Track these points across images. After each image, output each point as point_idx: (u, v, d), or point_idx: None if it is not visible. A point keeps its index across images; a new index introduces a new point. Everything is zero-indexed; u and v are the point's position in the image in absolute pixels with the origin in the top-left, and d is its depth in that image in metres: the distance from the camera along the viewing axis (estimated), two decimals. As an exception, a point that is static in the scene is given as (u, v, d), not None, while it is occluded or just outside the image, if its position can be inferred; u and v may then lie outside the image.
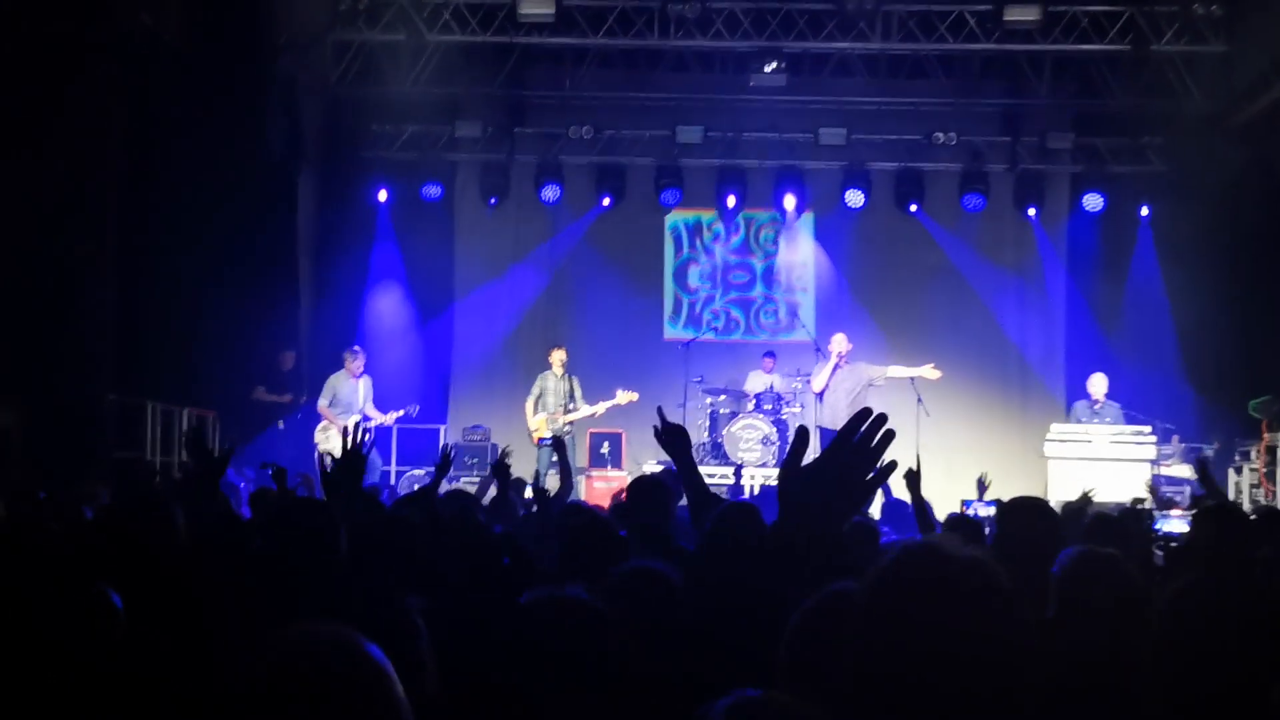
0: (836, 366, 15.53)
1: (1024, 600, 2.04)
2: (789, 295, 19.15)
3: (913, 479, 6.50)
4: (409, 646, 3.03)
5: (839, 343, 15.54)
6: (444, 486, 8.24)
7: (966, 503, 11.64)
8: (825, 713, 2.03)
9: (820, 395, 15.65)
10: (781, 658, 2.87)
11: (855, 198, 18.31)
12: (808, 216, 19.18)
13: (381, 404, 15.57)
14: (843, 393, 15.33)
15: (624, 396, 15.92)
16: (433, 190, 18.37)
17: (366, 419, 14.95)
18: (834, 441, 2.58)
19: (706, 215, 19.22)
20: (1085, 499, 8.41)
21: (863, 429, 2.49)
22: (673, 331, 19.02)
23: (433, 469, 8.20)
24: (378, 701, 1.90)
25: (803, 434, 2.69)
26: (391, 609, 3.09)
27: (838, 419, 15.03)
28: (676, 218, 19.30)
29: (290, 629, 1.93)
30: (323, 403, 15.30)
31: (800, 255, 19.26)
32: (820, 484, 2.61)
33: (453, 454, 8.41)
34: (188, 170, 14.07)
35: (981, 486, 9.96)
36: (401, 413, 15.61)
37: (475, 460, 17.30)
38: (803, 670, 2.79)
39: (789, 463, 2.64)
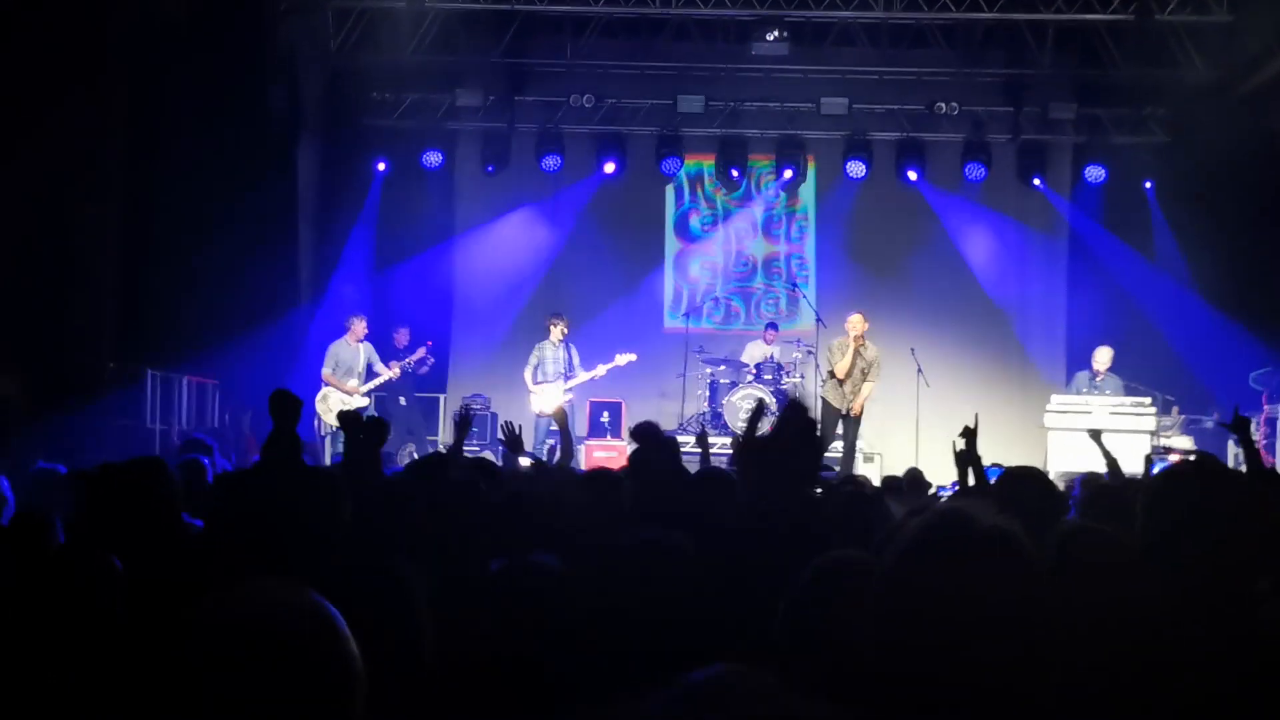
0: (856, 351, 15.01)
1: (1043, 569, 2.04)
2: (789, 286, 19.09)
3: (969, 437, 6.32)
4: (404, 613, 3.03)
5: (856, 324, 14.97)
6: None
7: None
8: (803, 691, 2.04)
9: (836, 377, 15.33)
10: (780, 626, 2.87)
11: (856, 168, 18.28)
12: (809, 186, 19.16)
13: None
14: (857, 372, 14.94)
15: (622, 358, 15.91)
16: (433, 158, 18.35)
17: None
18: (776, 426, 2.61)
19: (707, 163, 19.16)
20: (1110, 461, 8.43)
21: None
22: (672, 322, 18.99)
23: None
24: (327, 655, 1.91)
25: (760, 407, 2.71)
26: (387, 576, 3.09)
27: (845, 398, 14.88)
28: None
29: (241, 586, 1.94)
30: (326, 370, 15.38)
31: (805, 241, 19.27)
32: (769, 460, 2.63)
33: (471, 414, 8.33)
34: (189, 138, 14.05)
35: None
36: (419, 354, 15.71)
37: (475, 430, 17.31)
38: (804, 639, 2.79)
39: (745, 435, 2.65)
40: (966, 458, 6.29)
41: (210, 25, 14.23)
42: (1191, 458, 8.61)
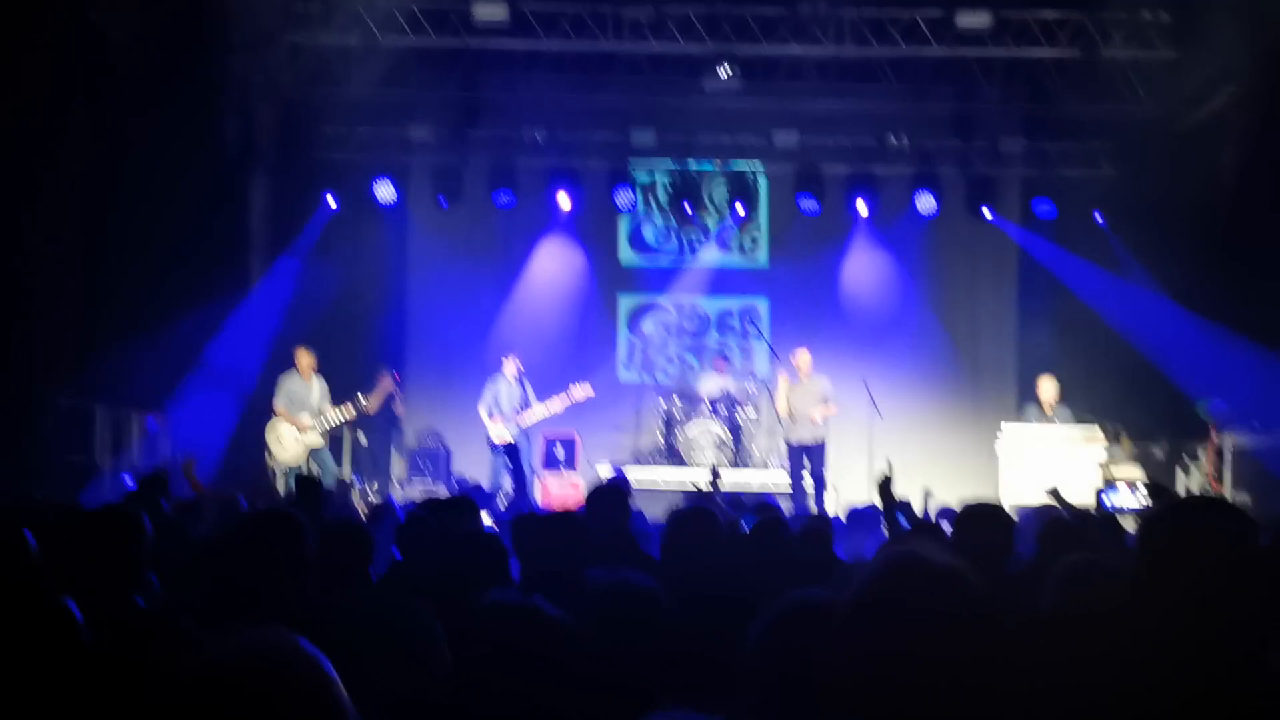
0: (795, 383, 15.50)
1: (1000, 611, 2.06)
2: (750, 326, 19.18)
3: (885, 484, 6.64)
4: (388, 651, 3.03)
5: (801, 359, 15.57)
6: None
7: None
8: None
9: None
10: (749, 666, 2.89)
11: (809, 204, 18.38)
12: (761, 219, 19.27)
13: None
14: (804, 406, 15.35)
15: (578, 391, 15.92)
16: (385, 192, 18.29)
17: None
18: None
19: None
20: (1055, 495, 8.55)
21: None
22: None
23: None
24: (320, 706, 1.89)
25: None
26: (380, 612, 3.10)
27: (801, 432, 15.23)
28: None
29: (229, 634, 1.92)
30: (278, 404, 15.09)
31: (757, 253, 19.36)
32: None
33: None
34: (140, 172, 13.96)
35: (927, 497, 10.03)
36: (352, 408, 15.40)
37: (429, 465, 17.29)
38: (771, 680, 2.81)
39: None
40: (886, 501, 6.54)
41: (164, 59, 14.17)
42: (1141, 486, 8.68)
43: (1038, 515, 7.49)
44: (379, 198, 18.24)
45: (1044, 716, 2.26)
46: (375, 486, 16.43)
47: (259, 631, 1.91)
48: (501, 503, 13.73)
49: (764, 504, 9.03)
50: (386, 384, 16.19)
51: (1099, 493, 12.34)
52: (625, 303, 19.47)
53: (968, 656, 2.01)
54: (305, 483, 5.78)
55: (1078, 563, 3.72)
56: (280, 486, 14.67)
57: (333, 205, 18.26)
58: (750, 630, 2.88)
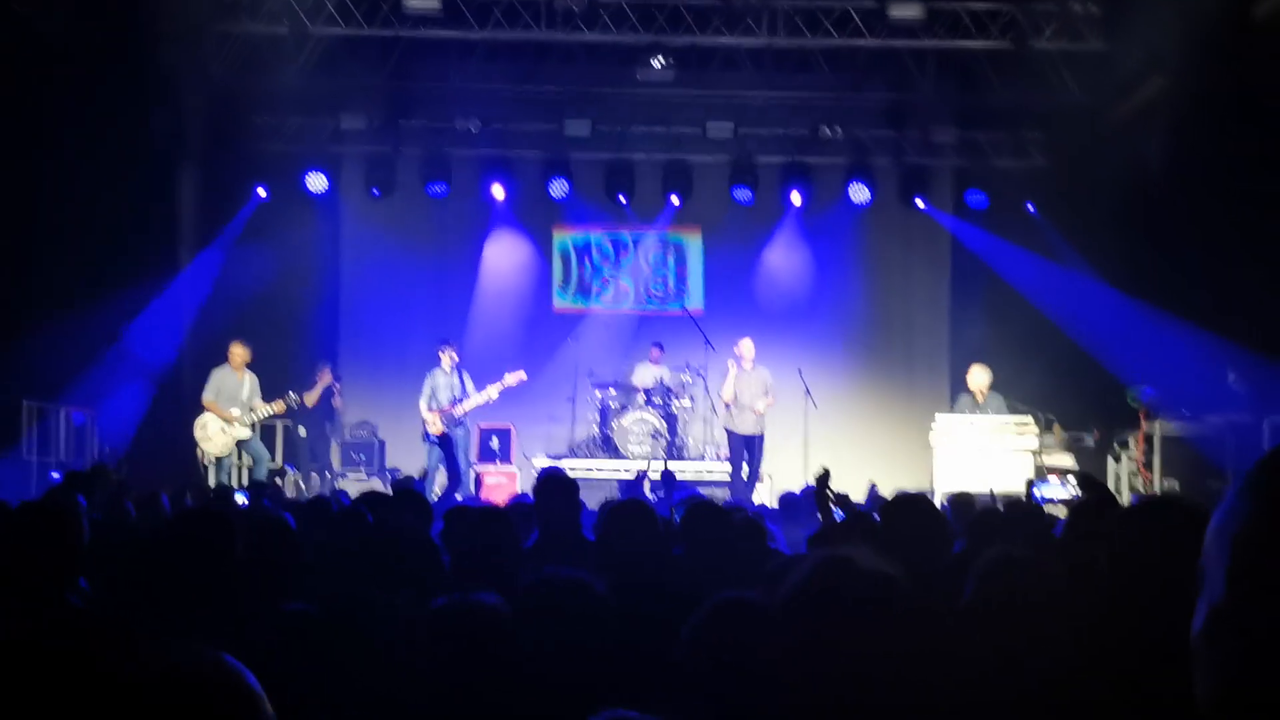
0: (740, 372, 15.59)
1: (927, 611, 2.06)
2: (679, 270, 19.22)
3: (821, 483, 6.75)
4: (295, 652, 2.99)
5: (745, 348, 15.63)
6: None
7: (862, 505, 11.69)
8: None
9: (727, 405, 15.70)
10: (678, 666, 2.87)
11: (743, 194, 18.40)
12: (695, 209, 19.27)
13: (265, 398, 15.32)
14: (748, 396, 15.45)
15: (512, 377, 15.83)
16: (317, 183, 18.11)
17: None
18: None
19: (595, 235, 19.20)
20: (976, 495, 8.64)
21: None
22: (563, 301, 19.01)
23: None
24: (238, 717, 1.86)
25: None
26: (281, 616, 3.05)
27: (745, 422, 15.31)
28: (565, 238, 19.28)
29: (154, 651, 1.88)
30: (207, 396, 14.99)
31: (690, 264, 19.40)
32: None
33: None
34: (67, 163, 13.75)
35: (873, 489, 10.07)
36: (283, 405, 15.35)
37: (362, 458, 17.18)
38: (699, 680, 2.79)
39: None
40: (821, 500, 6.65)
41: (89, 48, 13.97)
42: (1074, 485, 8.77)
43: (957, 506, 7.54)
44: (311, 188, 18.06)
45: (967, 707, 2.26)
46: (310, 478, 16.32)
47: (183, 648, 1.87)
48: (434, 495, 13.68)
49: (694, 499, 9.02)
50: (325, 378, 16.18)
51: (1029, 484, 12.44)
52: (559, 277, 19.41)
53: (894, 652, 2.01)
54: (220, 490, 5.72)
55: (997, 556, 3.75)
56: (211, 479, 14.54)
57: (263, 195, 18.05)
58: (682, 630, 2.87)
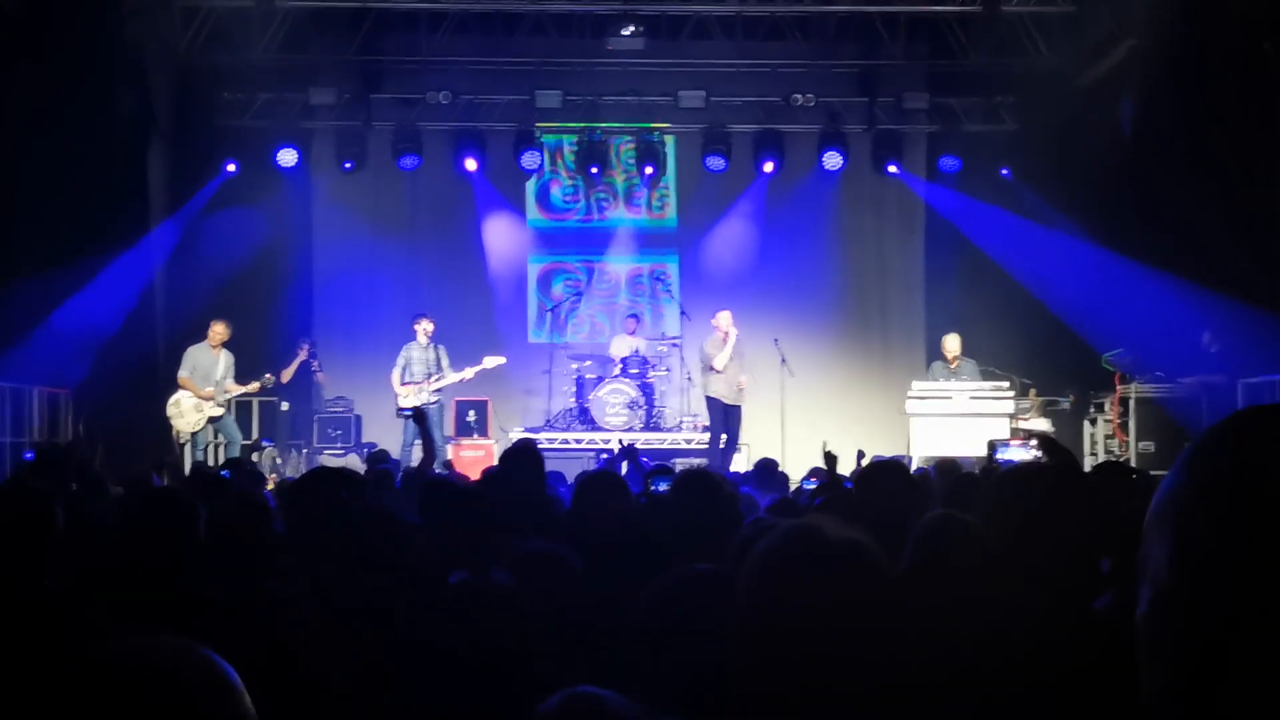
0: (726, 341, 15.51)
1: (897, 579, 2.05)
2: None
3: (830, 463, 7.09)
4: (268, 634, 2.97)
5: (727, 320, 15.52)
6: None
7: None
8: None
9: (717, 370, 15.57)
10: (635, 641, 2.85)
11: (716, 161, 18.36)
12: (669, 178, 19.22)
13: (241, 378, 15.26)
14: (733, 367, 15.43)
15: (491, 361, 15.83)
16: (288, 158, 18.01)
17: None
18: None
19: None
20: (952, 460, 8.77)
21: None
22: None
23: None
24: (217, 713, 1.82)
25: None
26: (257, 597, 3.03)
27: (731, 390, 15.26)
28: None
29: (128, 641, 1.84)
30: (183, 373, 14.88)
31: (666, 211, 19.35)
32: None
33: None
34: (33, 142, 13.61)
35: (860, 457, 10.07)
36: (258, 385, 15.34)
37: (339, 433, 17.14)
38: (659, 656, 2.78)
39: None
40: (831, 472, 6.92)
41: (53, 25, 13.82)
42: (1035, 447, 8.85)
43: (936, 468, 7.56)
44: (282, 164, 17.96)
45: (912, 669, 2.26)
46: (288, 454, 16.30)
47: (160, 640, 1.82)
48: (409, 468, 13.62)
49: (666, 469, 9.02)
50: (302, 354, 16.20)
51: (991, 446, 12.47)
52: (534, 267, 19.37)
53: (867, 630, 2.00)
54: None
55: (933, 520, 3.82)
56: (186, 456, 14.50)
57: (233, 171, 17.93)
58: (639, 600, 2.85)
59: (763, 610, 2.02)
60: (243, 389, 15.14)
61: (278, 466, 15.41)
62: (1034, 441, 9.67)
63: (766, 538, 2.09)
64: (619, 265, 19.36)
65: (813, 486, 7.98)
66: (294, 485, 6.07)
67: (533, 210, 19.37)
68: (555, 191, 19.44)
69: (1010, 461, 11.32)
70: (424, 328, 15.77)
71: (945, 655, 2.69)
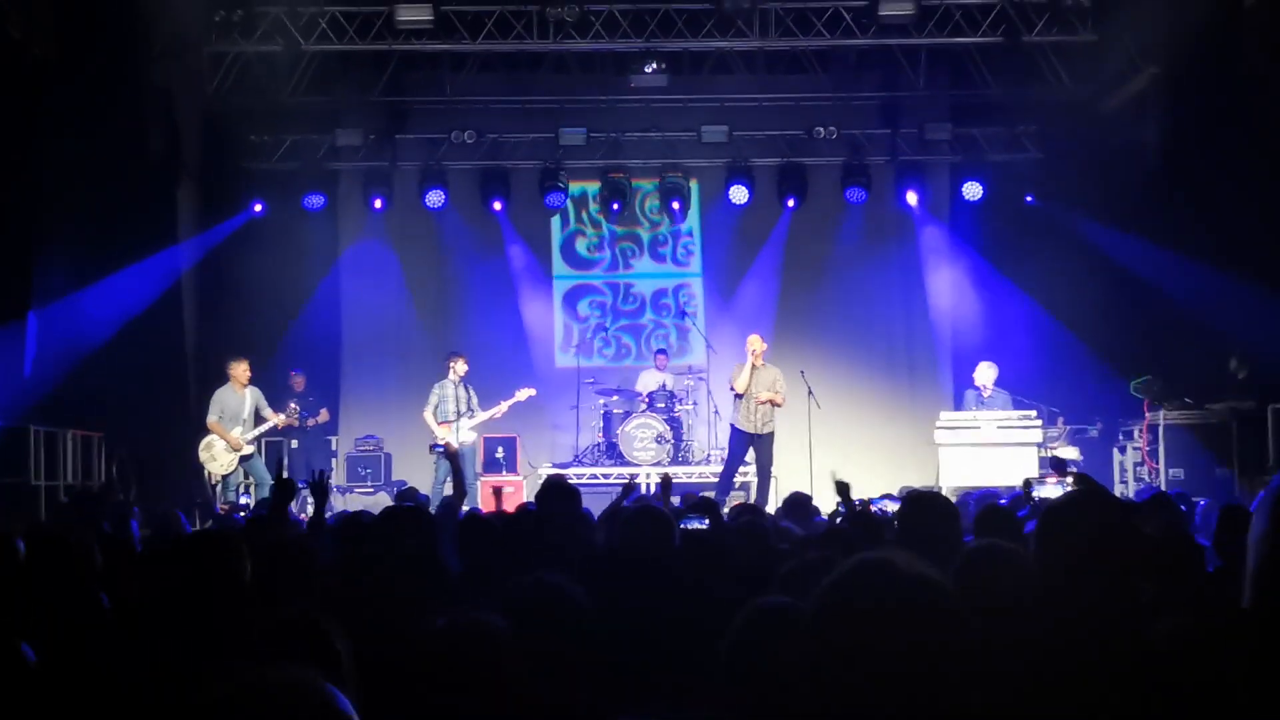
0: (753, 369, 15.22)
1: (971, 616, 2.06)
2: (678, 318, 19.20)
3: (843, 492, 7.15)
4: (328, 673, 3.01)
5: (755, 343, 15.22)
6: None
7: (873, 500, 11.61)
8: None
9: (739, 396, 15.41)
10: (721, 672, 2.89)
11: (739, 194, 18.42)
12: (694, 214, 19.28)
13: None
14: (760, 390, 15.07)
15: (522, 393, 15.87)
16: (315, 200, 18.16)
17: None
18: None
19: (591, 186, 19.17)
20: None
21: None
22: (564, 360, 18.98)
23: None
24: None
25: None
26: (309, 636, 3.06)
27: (750, 419, 15.01)
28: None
29: (247, 671, 1.84)
30: (211, 418, 14.84)
31: (690, 263, 19.41)
32: None
33: (326, 480, 7.42)
34: (66, 186, 13.75)
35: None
36: (286, 416, 15.37)
37: (369, 471, 17.19)
38: (740, 685, 2.81)
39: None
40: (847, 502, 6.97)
41: (84, 68, 13.98)
42: (1070, 481, 8.85)
43: (975, 500, 7.57)
44: (310, 206, 18.11)
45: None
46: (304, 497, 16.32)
47: (281, 671, 1.84)
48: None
49: (696, 498, 9.05)
50: (297, 383, 16.36)
51: (1027, 484, 12.47)
52: (560, 271, 19.45)
53: (938, 655, 2.01)
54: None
55: (979, 546, 3.84)
56: (219, 497, 14.53)
57: (259, 210, 18.08)
58: (726, 634, 2.89)
59: (834, 642, 2.02)
60: (285, 418, 15.24)
61: (302, 507, 15.43)
62: (1069, 480, 9.66)
63: (837, 570, 2.09)
64: (645, 283, 19.42)
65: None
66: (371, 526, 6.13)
67: (559, 266, 19.43)
68: (580, 244, 19.52)
69: (1045, 500, 11.30)
70: (457, 367, 15.78)
71: (1002, 682, 2.71)
